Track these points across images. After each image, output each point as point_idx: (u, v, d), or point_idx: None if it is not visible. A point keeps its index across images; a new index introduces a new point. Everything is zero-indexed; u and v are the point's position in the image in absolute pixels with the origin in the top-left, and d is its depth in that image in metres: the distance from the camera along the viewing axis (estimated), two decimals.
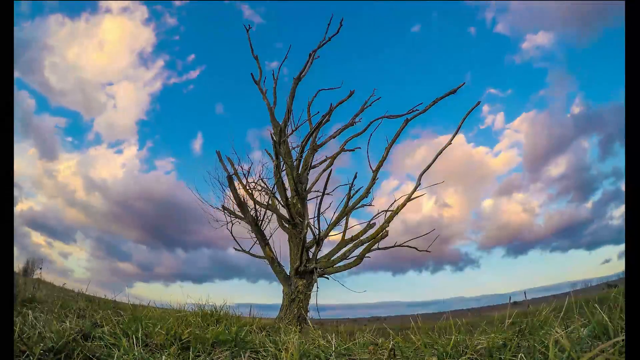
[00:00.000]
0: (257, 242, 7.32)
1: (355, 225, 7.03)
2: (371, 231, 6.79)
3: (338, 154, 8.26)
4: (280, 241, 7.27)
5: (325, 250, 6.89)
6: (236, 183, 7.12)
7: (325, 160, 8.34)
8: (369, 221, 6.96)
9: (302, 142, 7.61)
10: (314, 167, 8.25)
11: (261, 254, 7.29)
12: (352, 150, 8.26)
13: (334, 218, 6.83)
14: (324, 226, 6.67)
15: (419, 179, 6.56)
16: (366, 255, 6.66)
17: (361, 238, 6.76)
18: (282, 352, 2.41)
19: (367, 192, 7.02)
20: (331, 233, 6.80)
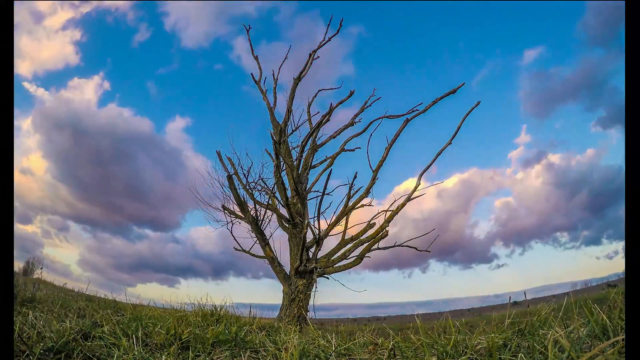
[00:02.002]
0: (257, 242, 7.32)
1: (355, 225, 7.04)
2: (371, 231, 6.79)
3: (338, 154, 8.26)
4: (280, 241, 7.29)
5: (325, 250, 6.89)
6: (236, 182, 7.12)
7: (325, 160, 8.35)
8: (369, 221, 6.96)
9: (302, 142, 7.60)
10: (314, 167, 8.26)
11: (261, 253, 7.30)
12: (352, 150, 8.27)
13: (334, 218, 6.83)
14: (323, 226, 6.68)
15: (419, 179, 6.57)
16: (366, 255, 6.67)
17: (361, 238, 6.76)
18: (282, 352, 2.41)
19: (367, 192, 7.02)
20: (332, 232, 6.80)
